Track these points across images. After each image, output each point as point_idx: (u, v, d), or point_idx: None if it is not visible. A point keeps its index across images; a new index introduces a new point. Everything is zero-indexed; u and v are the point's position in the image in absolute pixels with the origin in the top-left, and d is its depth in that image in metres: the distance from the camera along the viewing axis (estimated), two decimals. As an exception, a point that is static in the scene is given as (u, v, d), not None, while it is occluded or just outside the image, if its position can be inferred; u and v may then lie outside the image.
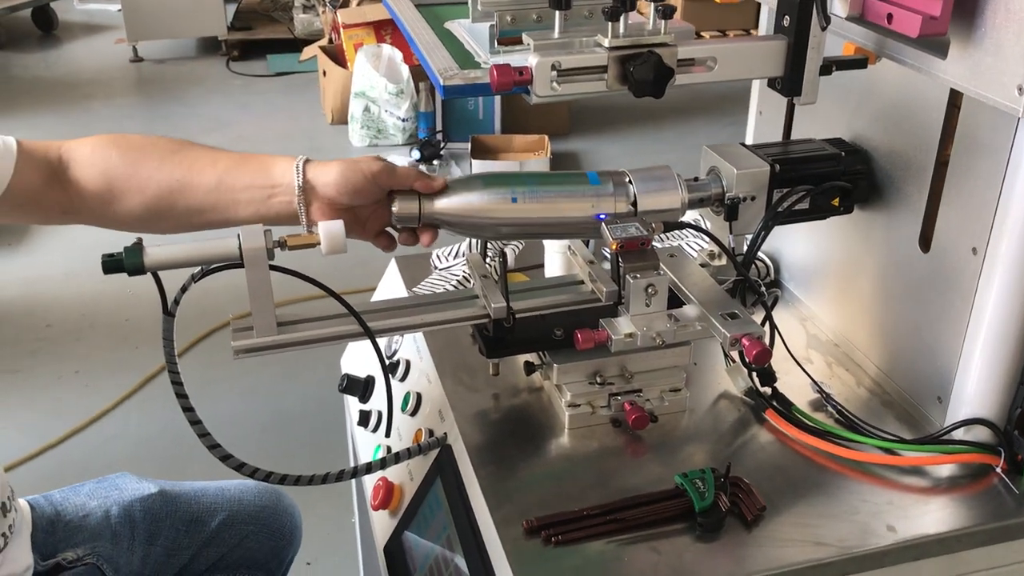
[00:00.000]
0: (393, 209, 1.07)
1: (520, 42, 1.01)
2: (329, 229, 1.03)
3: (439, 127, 4.63)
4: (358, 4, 5.08)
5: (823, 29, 0.95)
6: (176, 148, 1.17)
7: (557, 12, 0.98)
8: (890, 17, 0.88)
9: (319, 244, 1.04)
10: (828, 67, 1.00)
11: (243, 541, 1.54)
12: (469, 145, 4.43)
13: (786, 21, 0.98)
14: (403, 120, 4.59)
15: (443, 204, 1.07)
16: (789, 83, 0.99)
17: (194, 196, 1.14)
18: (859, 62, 1.03)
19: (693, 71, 0.99)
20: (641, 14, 1.02)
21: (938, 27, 0.84)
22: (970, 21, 0.84)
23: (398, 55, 4.63)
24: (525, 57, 0.94)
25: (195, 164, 1.14)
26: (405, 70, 4.57)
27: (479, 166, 4.30)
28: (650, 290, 1.05)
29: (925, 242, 1.10)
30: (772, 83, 1.02)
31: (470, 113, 4.61)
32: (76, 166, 1.16)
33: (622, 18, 0.94)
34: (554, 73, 0.94)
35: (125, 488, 1.48)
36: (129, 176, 1.15)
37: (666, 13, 0.95)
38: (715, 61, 0.99)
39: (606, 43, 0.95)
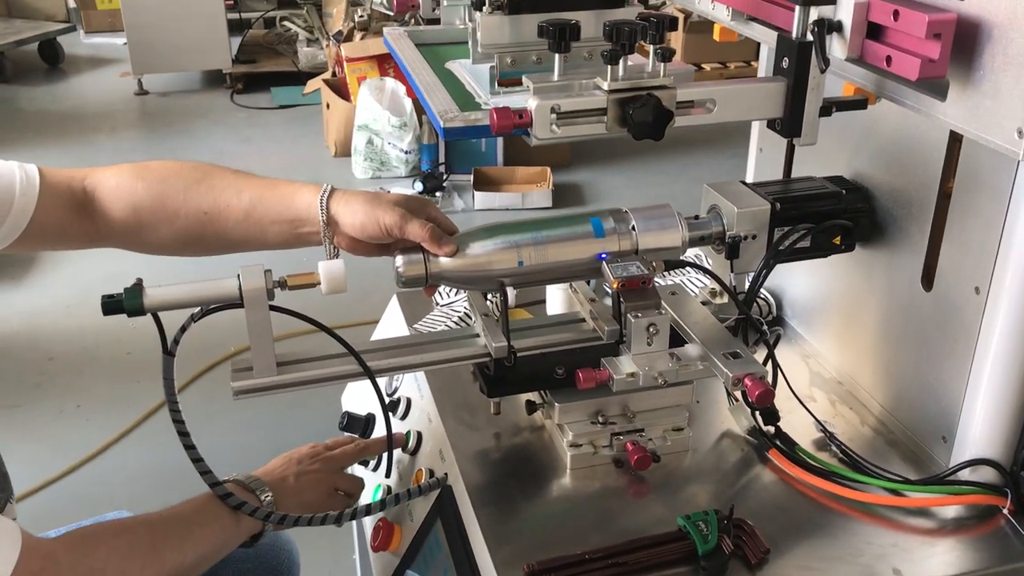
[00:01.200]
0: (399, 270, 1.06)
1: (520, 83, 1.01)
2: (329, 269, 1.03)
3: (442, 159, 4.65)
4: (361, 38, 5.12)
5: (822, 72, 0.95)
6: (200, 177, 1.18)
7: (557, 55, 0.98)
8: (889, 60, 0.88)
9: (319, 284, 1.04)
10: (828, 108, 1.00)
11: None
12: (472, 177, 4.44)
13: (785, 63, 0.98)
14: (406, 152, 4.62)
15: (449, 264, 1.07)
16: (789, 124, 0.99)
17: (223, 227, 1.16)
18: (859, 103, 1.03)
19: (692, 113, 0.99)
20: (643, 53, 1.02)
21: (937, 70, 0.84)
22: (969, 64, 0.84)
23: (401, 88, 4.66)
24: (525, 99, 0.95)
25: (221, 196, 1.16)
26: (408, 103, 4.60)
27: (481, 198, 4.31)
28: (651, 329, 1.05)
29: (928, 280, 1.10)
30: (772, 124, 1.01)
31: (473, 145, 4.63)
32: (102, 198, 1.17)
33: (621, 61, 0.94)
34: (553, 116, 0.94)
35: None
36: (156, 209, 1.17)
37: (665, 56, 0.95)
38: (714, 103, 0.99)
39: (605, 86, 0.95)
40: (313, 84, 5.57)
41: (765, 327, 1.16)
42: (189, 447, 1.01)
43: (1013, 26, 0.80)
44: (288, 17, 6.59)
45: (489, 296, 1.18)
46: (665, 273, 1.39)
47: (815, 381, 1.29)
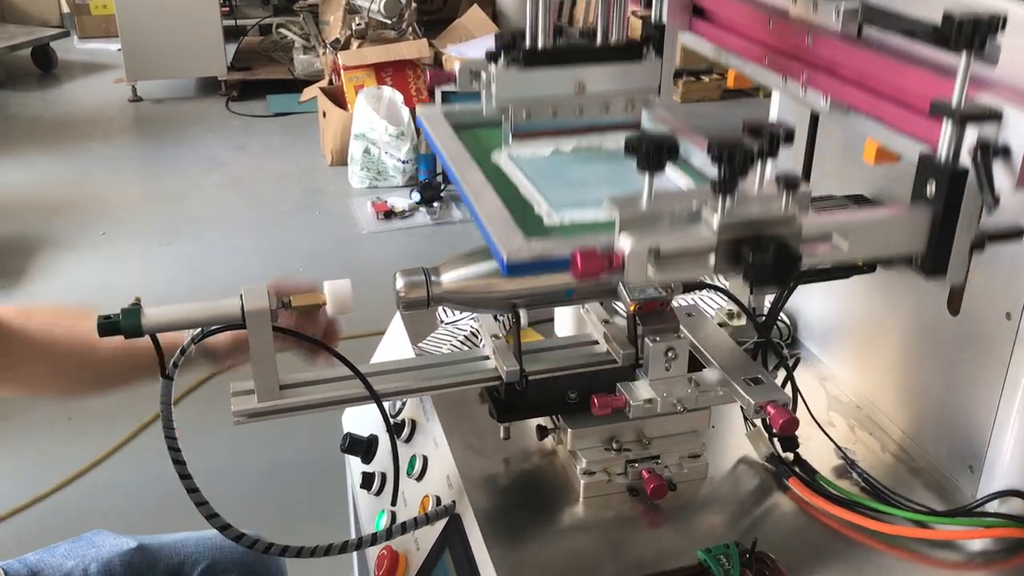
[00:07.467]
0: (399, 293, 1.00)
1: (538, 135, 0.95)
2: (335, 289, 0.99)
3: (439, 169, 4.61)
4: (359, 46, 5.09)
5: (991, 209, 0.76)
6: (78, 313, 1.22)
7: (647, 176, 0.80)
8: None
9: (325, 304, 1.00)
10: (981, 242, 0.83)
11: None
12: (469, 187, 4.41)
13: (930, 189, 0.80)
14: (403, 162, 4.58)
15: (452, 284, 1.01)
16: (932, 261, 0.82)
17: (100, 358, 1.20)
18: (1017, 233, 0.87)
19: (819, 252, 0.81)
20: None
21: None
22: None
23: (399, 97, 4.63)
24: (543, 151, 0.86)
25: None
26: (405, 112, 4.57)
27: (479, 209, 4.27)
28: (670, 354, 1.01)
29: (954, 305, 1.06)
30: (908, 259, 0.85)
31: (470, 155, 4.59)
32: (8, 334, 1.18)
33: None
34: (651, 257, 0.78)
35: (103, 545, 1.44)
36: (45, 342, 1.20)
37: (790, 183, 0.78)
38: (847, 237, 0.82)
39: (714, 221, 0.79)
40: (309, 92, 5.54)
41: (786, 352, 1.12)
42: (184, 476, 0.97)
43: None
44: (284, 24, 6.55)
45: (499, 316, 1.15)
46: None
47: (833, 405, 1.25)
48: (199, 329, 0.98)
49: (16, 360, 1.18)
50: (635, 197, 0.81)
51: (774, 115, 1.25)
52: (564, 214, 0.93)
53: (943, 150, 0.79)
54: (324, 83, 5.37)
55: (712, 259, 0.79)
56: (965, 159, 0.78)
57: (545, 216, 0.94)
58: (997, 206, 0.75)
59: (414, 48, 4.98)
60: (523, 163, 1.02)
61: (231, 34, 6.31)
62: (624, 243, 0.77)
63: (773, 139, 0.80)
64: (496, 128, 1.11)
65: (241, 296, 0.96)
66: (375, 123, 4.51)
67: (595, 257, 0.77)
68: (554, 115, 0.99)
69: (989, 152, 0.75)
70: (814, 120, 1.18)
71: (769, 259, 0.76)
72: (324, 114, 5.00)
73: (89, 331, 1.14)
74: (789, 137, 0.80)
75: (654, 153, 0.78)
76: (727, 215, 0.78)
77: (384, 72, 4.90)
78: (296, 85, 5.94)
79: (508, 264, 0.82)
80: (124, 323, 0.93)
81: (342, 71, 4.95)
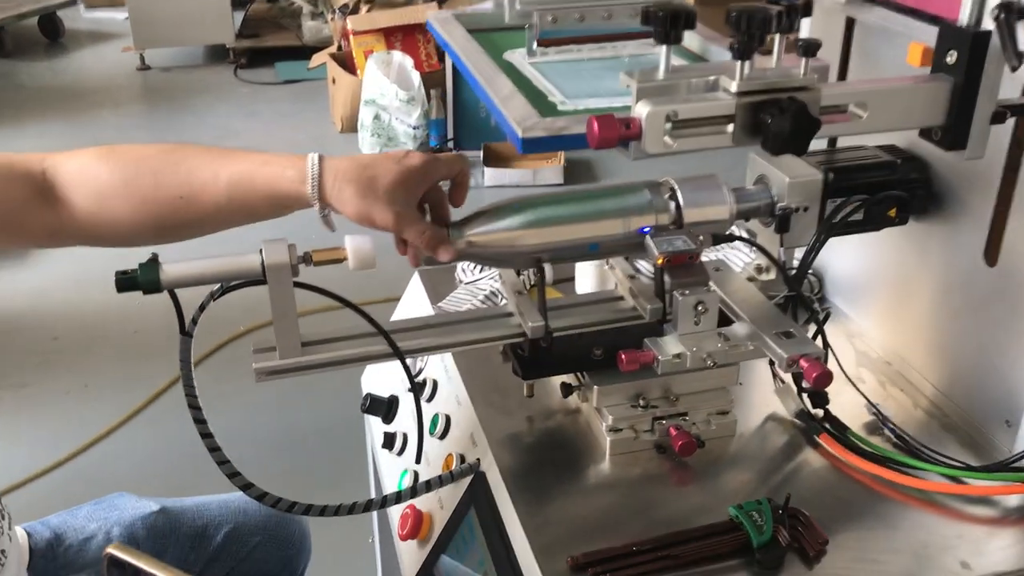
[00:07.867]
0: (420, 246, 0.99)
1: (564, 43, 0.92)
2: (357, 245, 0.97)
3: (450, 135, 4.57)
4: (368, 11, 5.03)
5: (1014, 69, 0.76)
6: (172, 159, 1.04)
7: (664, 47, 0.80)
8: None
9: (346, 260, 0.98)
10: (1002, 114, 0.82)
11: (252, 553, 1.50)
12: (481, 153, 4.37)
13: (951, 57, 0.80)
14: (414, 128, 4.54)
15: (476, 239, 0.99)
16: (952, 134, 0.82)
17: (200, 212, 1.04)
18: None
19: (836, 121, 0.82)
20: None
21: None
22: None
23: (409, 62, 4.58)
24: (571, 60, 0.86)
25: (196, 179, 1.02)
26: (416, 77, 4.52)
27: (492, 174, 4.24)
28: (700, 307, 0.98)
29: (991, 255, 1.03)
30: (927, 133, 0.86)
31: (482, 121, 4.55)
32: (63, 184, 1.04)
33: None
34: (668, 125, 0.78)
35: (125, 508, 1.43)
36: (122, 195, 1.03)
37: (809, 49, 0.78)
38: (865, 108, 0.82)
39: (733, 87, 0.79)
40: (318, 58, 5.49)
41: (816, 305, 1.10)
42: (206, 435, 0.96)
43: None
44: (292, -10, 6.49)
45: (522, 273, 1.12)
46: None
47: (862, 361, 1.23)
48: (219, 285, 0.96)
49: (79, 213, 1.03)
50: (652, 69, 0.81)
51: (805, 31, 1.21)
52: (578, 103, 0.91)
53: (965, 15, 0.78)
54: (333, 49, 5.31)
55: (731, 128, 0.79)
56: (987, 25, 0.78)
57: (559, 104, 0.92)
58: (1020, 65, 0.74)
59: (424, 12, 4.92)
60: (538, 63, 0.99)
61: (238, 1, 6.25)
62: (641, 109, 0.76)
63: (792, 8, 0.80)
64: (511, 32, 1.07)
65: (261, 251, 0.94)
66: (385, 88, 4.46)
67: (612, 122, 0.77)
68: (581, 20, 0.95)
69: (1013, 11, 0.76)
70: (847, 41, 1.14)
71: (788, 124, 0.77)
72: (333, 80, 4.95)
73: (182, 180, 1.02)
74: (808, 9, 0.81)
75: (671, 22, 0.78)
76: (746, 80, 0.78)
77: (394, 37, 4.85)
78: (305, 52, 5.89)
79: (523, 140, 0.82)
80: (142, 278, 0.91)
81: (351, 36, 4.90)
